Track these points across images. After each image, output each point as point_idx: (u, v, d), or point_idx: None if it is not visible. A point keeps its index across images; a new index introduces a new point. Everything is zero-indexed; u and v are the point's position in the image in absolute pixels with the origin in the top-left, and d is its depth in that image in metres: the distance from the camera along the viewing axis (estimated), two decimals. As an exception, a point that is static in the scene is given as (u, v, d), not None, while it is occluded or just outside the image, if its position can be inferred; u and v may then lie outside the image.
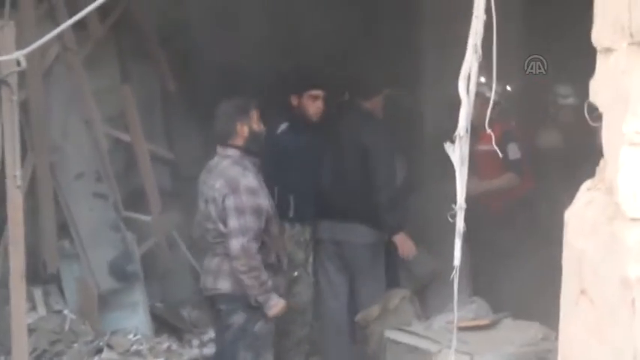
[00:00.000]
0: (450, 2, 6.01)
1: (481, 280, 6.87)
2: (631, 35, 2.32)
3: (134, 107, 7.28)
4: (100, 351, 6.58)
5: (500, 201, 7.24)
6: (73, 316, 6.69)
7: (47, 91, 6.80)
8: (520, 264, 6.81)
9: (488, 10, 2.83)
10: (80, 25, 6.30)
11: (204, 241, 5.69)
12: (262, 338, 5.52)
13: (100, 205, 7.01)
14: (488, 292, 6.17)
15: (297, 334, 6.62)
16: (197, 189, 5.72)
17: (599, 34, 2.47)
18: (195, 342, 7.02)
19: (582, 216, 2.53)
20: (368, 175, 6.58)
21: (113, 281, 6.87)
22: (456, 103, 2.95)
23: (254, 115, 5.60)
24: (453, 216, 2.98)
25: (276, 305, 5.49)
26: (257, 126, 5.61)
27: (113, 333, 6.76)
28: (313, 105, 6.67)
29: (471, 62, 2.88)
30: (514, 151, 7.11)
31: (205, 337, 6.99)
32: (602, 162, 2.55)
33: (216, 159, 5.61)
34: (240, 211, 5.38)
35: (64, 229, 6.89)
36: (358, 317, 6.13)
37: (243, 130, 5.54)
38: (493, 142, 3.45)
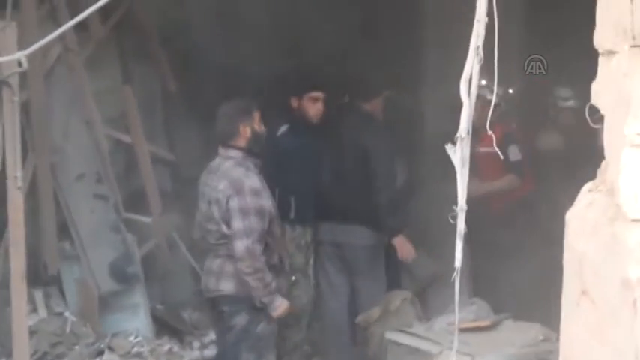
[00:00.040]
0: (451, 3, 6.03)
1: (482, 282, 6.88)
2: (633, 38, 2.33)
3: (135, 108, 7.28)
4: (101, 353, 6.58)
5: (500, 203, 7.25)
6: (74, 318, 6.68)
7: (48, 92, 6.80)
8: (520, 265, 6.82)
9: (489, 13, 2.84)
10: (82, 26, 6.29)
11: (205, 243, 5.68)
12: (265, 339, 5.51)
13: (101, 207, 7.01)
14: (488, 294, 6.18)
15: (293, 339, 6.61)
16: (197, 190, 5.72)
17: (601, 37, 2.48)
18: (196, 344, 7.01)
19: (583, 217, 2.53)
20: (368, 177, 6.58)
21: (114, 283, 6.86)
22: (457, 105, 2.96)
23: (256, 116, 5.60)
24: (454, 217, 2.99)
25: (280, 306, 5.50)
26: (259, 127, 5.61)
27: (114, 335, 6.76)
28: (313, 107, 6.67)
29: (472, 64, 2.89)
30: (515, 153, 7.12)
31: (206, 339, 6.99)
32: (603, 164, 2.56)
33: (217, 160, 5.59)
34: (244, 213, 5.37)
35: (64, 231, 6.89)
36: (359, 318, 6.14)
37: (245, 131, 5.53)
38: (494, 144, 3.46)
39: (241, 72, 7.03)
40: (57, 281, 6.84)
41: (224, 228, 5.44)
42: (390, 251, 6.69)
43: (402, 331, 5.70)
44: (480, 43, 2.87)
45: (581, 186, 2.67)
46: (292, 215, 6.61)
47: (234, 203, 5.38)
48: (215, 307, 5.64)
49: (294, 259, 6.49)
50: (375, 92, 6.85)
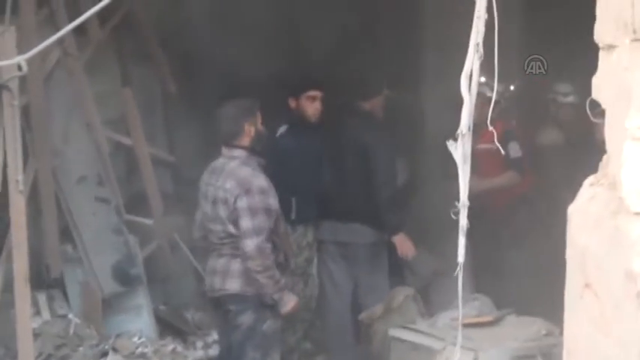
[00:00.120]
0: (450, 1, 6.03)
1: (484, 277, 6.89)
2: (634, 31, 2.34)
3: (135, 110, 7.29)
4: (105, 354, 6.58)
5: (501, 199, 7.25)
6: (78, 320, 6.69)
7: (48, 96, 6.81)
8: (522, 261, 6.83)
9: (489, 10, 2.85)
10: (80, 30, 6.32)
11: (207, 242, 5.68)
12: (270, 337, 5.51)
13: (102, 209, 7.01)
14: (491, 289, 6.19)
15: (289, 342, 6.61)
16: (198, 191, 5.72)
17: (602, 31, 2.49)
18: (200, 344, 7.02)
19: (586, 211, 2.54)
20: (368, 175, 6.59)
21: (117, 285, 6.87)
22: (457, 103, 2.97)
23: (259, 115, 5.61)
24: (456, 213, 3.00)
25: (290, 302, 5.51)
26: (261, 127, 5.63)
27: (118, 336, 6.76)
28: (311, 106, 6.68)
29: (472, 61, 2.90)
30: (515, 150, 7.12)
31: (209, 339, 7.00)
32: (605, 157, 2.57)
33: (221, 160, 5.58)
34: (253, 212, 5.38)
35: (66, 233, 6.90)
36: (362, 316, 6.14)
37: (250, 130, 5.53)
38: (495, 140, 3.46)
39: (240, 73, 7.05)
40: (60, 284, 6.85)
41: (230, 227, 5.43)
42: (391, 249, 6.70)
43: (405, 327, 5.71)
44: (480, 40, 2.88)
45: (583, 180, 2.68)
46: (293, 215, 6.61)
47: (242, 202, 5.38)
48: (220, 306, 5.63)
49: (295, 259, 6.49)
50: (374, 91, 6.85)
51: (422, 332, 5.57)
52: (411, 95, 7.84)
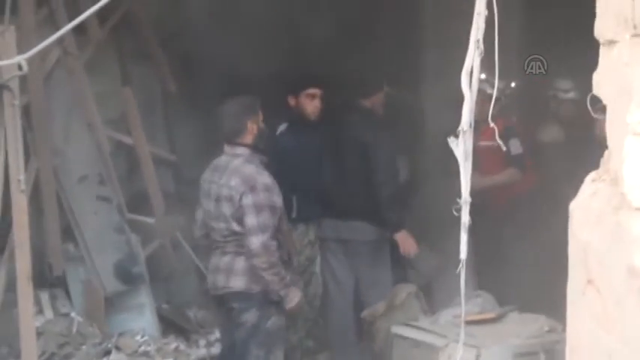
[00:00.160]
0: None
1: (486, 274, 6.90)
2: (634, 27, 2.34)
3: (135, 109, 7.29)
4: (108, 353, 6.59)
5: (502, 196, 7.26)
6: (81, 319, 6.70)
7: (48, 95, 6.82)
8: (524, 258, 6.83)
9: (489, 6, 2.85)
10: (80, 30, 6.32)
11: (209, 240, 5.68)
12: (274, 334, 5.52)
13: (104, 208, 7.02)
14: (493, 286, 6.19)
15: (290, 340, 6.60)
16: (200, 189, 5.72)
17: (602, 26, 2.48)
18: (202, 342, 7.03)
19: (587, 207, 2.54)
20: (369, 173, 6.60)
21: (119, 283, 6.88)
22: (457, 100, 2.97)
23: (261, 113, 5.62)
24: (458, 210, 3.00)
25: (295, 297, 5.52)
26: (262, 124, 5.64)
27: (121, 335, 6.77)
28: (311, 104, 6.68)
29: (473, 57, 2.90)
30: (516, 147, 7.13)
31: (212, 337, 7.00)
32: (606, 153, 2.57)
33: (224, 157, 5.58)
34: (258, 209, 5.38)
35: (68, 233, 6.91)
36: (364, 313, 6.15)
37: (252, 127, 5.54)
38: (497, 137, 3.46)
39: (240, 71, 7.05)
40: (62, 283, 6.86)
41: (234, 225, 5.43)
42: (393, 246, 6.70)
43: (407, 325, 5.72)
44: (480, 36, 2.88)
45: (584, 176, 2.68)
46: (294, 214, 6.61)
47: (248, 200, 5.38)
48: (223, 304, 5.64)
49: (297, 257, 6.49)
50: (374, 89, 6.86)
51: (424, 329, 5.58)
52: (411, 92, 7.84)
